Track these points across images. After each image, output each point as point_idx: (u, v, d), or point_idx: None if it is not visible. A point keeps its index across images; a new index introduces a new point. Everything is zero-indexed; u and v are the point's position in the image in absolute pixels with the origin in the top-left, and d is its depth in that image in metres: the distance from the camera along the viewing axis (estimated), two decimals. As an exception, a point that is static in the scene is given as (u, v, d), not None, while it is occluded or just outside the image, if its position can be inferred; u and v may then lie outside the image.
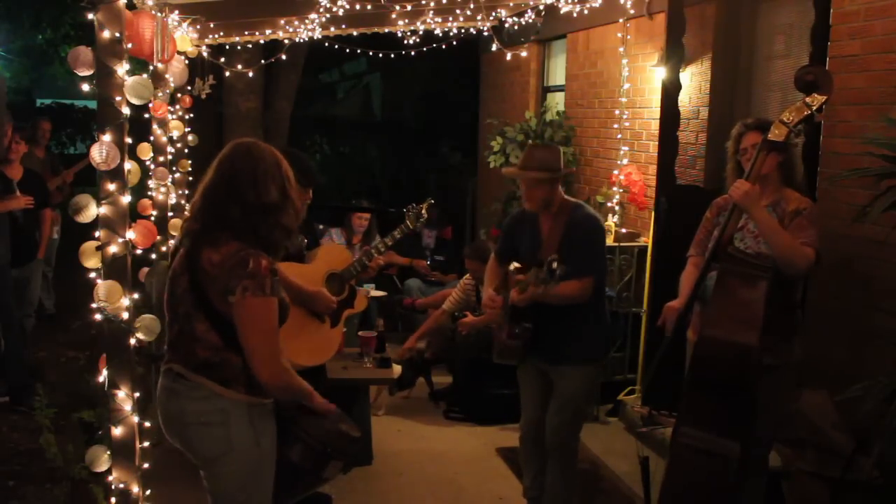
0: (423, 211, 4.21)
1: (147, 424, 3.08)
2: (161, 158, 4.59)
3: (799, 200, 3.08)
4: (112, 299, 2.76)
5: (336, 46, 6.44)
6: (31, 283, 5.81)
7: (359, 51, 6.64)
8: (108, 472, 2.88)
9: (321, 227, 6.76)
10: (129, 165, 2.84)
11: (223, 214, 2.41)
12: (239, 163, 2.46)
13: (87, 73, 2.77)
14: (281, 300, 2.48)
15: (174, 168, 4.86)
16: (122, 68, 2.76)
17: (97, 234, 2.80)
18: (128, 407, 2.83)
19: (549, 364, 3.57)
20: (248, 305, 2.33)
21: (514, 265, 3.59)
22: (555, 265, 3.08)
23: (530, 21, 6.38)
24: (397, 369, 4.80)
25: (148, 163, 4.37)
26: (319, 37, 5.86)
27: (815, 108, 2.88)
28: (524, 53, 6.63)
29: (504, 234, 3.79)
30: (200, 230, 2.44)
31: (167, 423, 2.51)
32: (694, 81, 5.34)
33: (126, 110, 2.79)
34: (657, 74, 5.39)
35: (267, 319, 2.38)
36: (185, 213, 2.55)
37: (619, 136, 6.00)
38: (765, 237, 2.96)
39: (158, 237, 4.22)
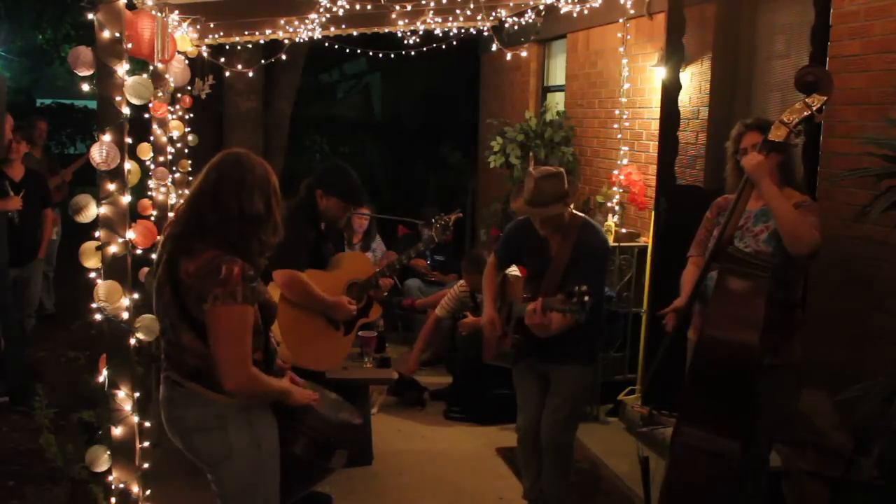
0: (451, 224, 4.19)
1: (147, 424, 3.08)
2: (161, 158, 4.59)
3: (799, 197, 3.09)
4: (112, 299, 2.75)
5: (336, 46, 6.44)
6: (32, 282, 5.81)
7: (359, 51, 6.64)
8: (108, 472, 2.88)
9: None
10: (129, 165, 2.84)
11: (202, 221, 2.40)
12: (226, 171, 2.45)
13: (87, 73, 2.76)
14: (265, 301, 2.48)
15: (174, 168, 4.85)
16: (122, 68, 2.76)
17: (97, 234, 2.80)
18: (128, 407, 2.82)
19: (549, 365, 3.59)
20: (218, 314, 2.33)
21: (514, 273, 3.61)
22: (587, 298, 3.04)
23: (530, 21, 6.38)
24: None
25: (148, 163, 4.36)
26: (319, 37, 5.86)
27: (815, 108, 2.88)
28: (524, 53, 6.62)
29: (507, 241, 3.74)
30: (180, 235, 2.43)
31: (170, 429, 2.53)
32: (694, 81, 5.33)
33: (126, 110, 2.79)
34: (657, 74, 5.39)
35: (235, 328, 2.35)
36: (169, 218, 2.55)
37: (619, 136, 6.00)
38: (773, 209, 2.96)
39: (158, 237, 4.21)
